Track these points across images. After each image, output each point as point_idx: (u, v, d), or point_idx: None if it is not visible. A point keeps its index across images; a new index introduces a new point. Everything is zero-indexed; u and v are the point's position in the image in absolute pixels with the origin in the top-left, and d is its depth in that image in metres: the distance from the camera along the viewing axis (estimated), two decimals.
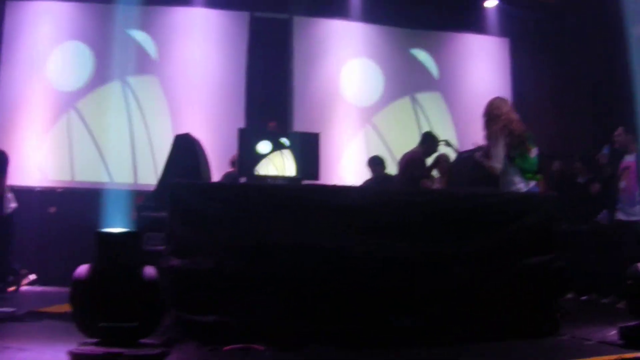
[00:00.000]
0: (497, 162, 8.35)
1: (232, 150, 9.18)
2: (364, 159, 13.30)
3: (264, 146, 8.24)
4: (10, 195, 11.43)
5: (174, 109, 14.28)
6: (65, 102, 13.93)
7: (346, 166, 13.79)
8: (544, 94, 15.52)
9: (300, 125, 14.21)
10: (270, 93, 14.65)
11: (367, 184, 11.44)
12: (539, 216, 7.36)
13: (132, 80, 14.35)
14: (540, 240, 7.32)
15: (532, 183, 8.34)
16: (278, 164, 8.21)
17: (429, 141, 11.09)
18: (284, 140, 8.36)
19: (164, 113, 14.29)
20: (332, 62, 15.46)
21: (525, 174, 8.36)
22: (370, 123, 15.60)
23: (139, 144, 14.01)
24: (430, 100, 16.11)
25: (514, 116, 8.51)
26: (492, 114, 8.57)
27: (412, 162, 10.79)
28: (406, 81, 16.05)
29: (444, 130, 15.04)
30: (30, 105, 13.69)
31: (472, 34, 16.50)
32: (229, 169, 11.81)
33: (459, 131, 15.64)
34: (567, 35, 15.36)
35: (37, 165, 13.44)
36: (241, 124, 13.69)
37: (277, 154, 8.25)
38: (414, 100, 15.94)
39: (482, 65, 16.42)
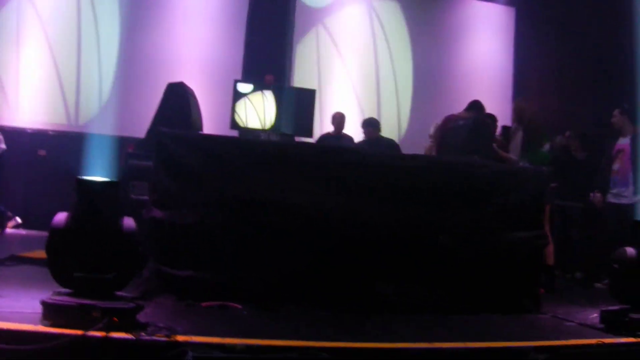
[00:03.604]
0: (515, 155, 9.40)
1: (227, 102, 9.01)
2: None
3: (245, 87, 8.18)
4: None
5: (161, 52, 14.02)
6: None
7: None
8: (547, 67, 15.25)
9: (299, 81, 14.00)
10: (270, 45, 14.43)
11: (359, 146, 11.30)
12: (529, 191, 7.33)
13: None
14: (527, 215, 7.30)
15: None
16: (257, 103, 8.12)
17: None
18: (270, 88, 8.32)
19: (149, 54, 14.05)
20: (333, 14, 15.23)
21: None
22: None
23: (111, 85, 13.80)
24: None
25: (534, 115, 9.78)
26: (518, 113, 9.96)
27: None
28: None
29: None
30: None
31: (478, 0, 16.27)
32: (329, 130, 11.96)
33: None
34: (574, 9, 15.09)
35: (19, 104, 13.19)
36: (238, 76, 13.47)
37: (257, 94, 8.16)
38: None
39: (485, 33, 16.16)
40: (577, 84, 14.42)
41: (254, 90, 8.29)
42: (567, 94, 14.38)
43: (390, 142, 11.61)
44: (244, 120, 8.24)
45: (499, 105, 12.75)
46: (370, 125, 11.67)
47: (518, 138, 9.73)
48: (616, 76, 12.83)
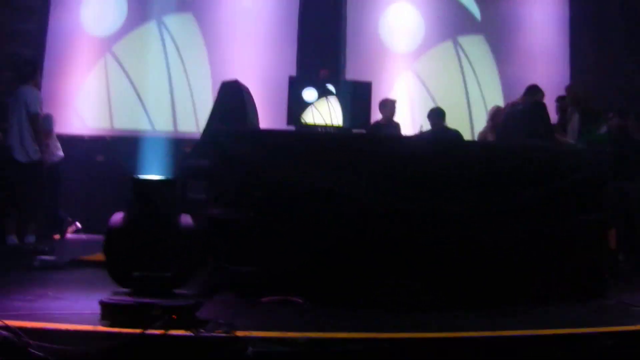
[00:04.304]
0: (572, 137, 9.47)
1: (283, 98, 8.98)
2: (407, 108, 13.26)
3: (309, 94, 8.11)
4: (57, 144, 11.38)
5: (216, 53, 14.11)
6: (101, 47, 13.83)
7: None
8: (604, 47, 14.87)
9: (353, 74, 13.88)
10: (323, 40, 14.35)
11: (424, 136, 11.18)
12: (590, 173, 7.13)
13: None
14: (590, 197, 7.10)
15: None
16: (324, 111, 8.07)
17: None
18: (330, 87, 8.21)
19: (204, 57, 14.12)
20: (384, 8, 15.08)
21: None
22: (411, 69, 15.07)
23: (178, 88, 13.84)
24: (473, 44, 15.52)
25: (589, 98, 9.83)
26: (572, 97, 10.08)
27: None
28: (447, 24, 15.40)
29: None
30: (71, 55, 13.58)
31: None
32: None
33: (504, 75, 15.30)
34: None
35: (82, 114, 13.35)
36: (292, 71, 13.43)
37: (322, 101, 8.11)
38: (456, 44, 15.46)
39: (537, 10, 15.83)
40: (636, 64, 14.06)
41: (319, 97, 8.26)
42: (625, 74, 14.01)
43: (455, 133, 11.49)
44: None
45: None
46: (437, 115, 11.55)
47: (575, 121, 9.64)
48: None
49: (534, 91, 10.12)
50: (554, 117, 9.91)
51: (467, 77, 15.14)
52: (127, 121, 13.56)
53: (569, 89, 10.31)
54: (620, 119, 10.73)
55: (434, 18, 15.17)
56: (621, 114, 10.74)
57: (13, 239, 9.85)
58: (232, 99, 8.42)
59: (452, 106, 13.79)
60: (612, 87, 13.59)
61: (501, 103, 14.00)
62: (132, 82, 13.64)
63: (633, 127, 10.87)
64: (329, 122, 8.27)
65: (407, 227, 6.49)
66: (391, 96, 12.29)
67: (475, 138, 13.22)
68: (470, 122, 14.85)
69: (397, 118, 11.83)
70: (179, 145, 9.71)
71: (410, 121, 13.59)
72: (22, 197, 9.97)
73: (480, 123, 13.78)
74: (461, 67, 15.22)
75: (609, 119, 10.56)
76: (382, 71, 14.47)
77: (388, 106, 11.56)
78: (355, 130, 8.63)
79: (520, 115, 8.78)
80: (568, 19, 15.63)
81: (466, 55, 15.27)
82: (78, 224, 11.86)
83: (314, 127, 8.44)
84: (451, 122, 11.71)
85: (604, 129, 9.81)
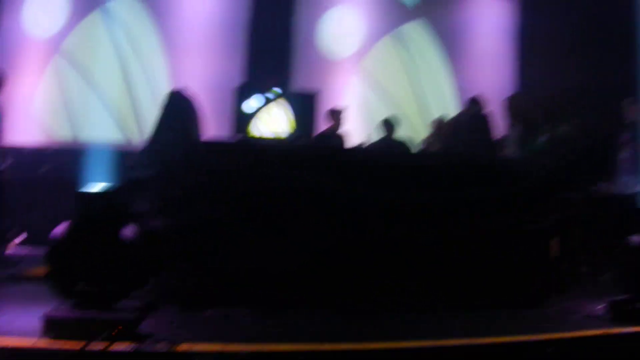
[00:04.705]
0: (511, 149, 9.50)
1: (226, 107, 8.98)
2: (360, 112, 13.34)
3: (253, 103, 8.16)
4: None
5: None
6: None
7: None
8: (555, 37, 14.56)
9: (302, 84, 13.85)
10: (272, 50, 14.33)
11: (367, 148, 11.20)
12: (533, 183, 7.24)
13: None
14: (532, 207, 7.20)
15: None
16: (270, 122, 8.12)
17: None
18: (277, 90, 8.25)
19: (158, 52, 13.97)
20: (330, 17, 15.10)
21: None
22: (359, 72, 14.92)
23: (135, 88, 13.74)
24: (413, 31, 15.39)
25: (527, 108, 9.85)
26: (509, 109, 10.00)
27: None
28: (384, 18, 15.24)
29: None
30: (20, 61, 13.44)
31: None
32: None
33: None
34: None
35: (34, 122, 13.22)
36: (241, 81, 13.42)
37: (268, 110, 8.17)
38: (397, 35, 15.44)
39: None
40: (589, 57, 13.91)
41: (264, 106, 8.31)
42: (577, 69, 13.82)
43: (402, 142, 11.52)
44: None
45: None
46: (386, 125, 11.60)
47: (515, 133, 9.75)
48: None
49: (473, 103, 10.26)
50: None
51: (414, 64, 15.15)
52: (72, 130, 13.44)
53: (509, 100, 10.36)
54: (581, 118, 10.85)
55: (370, 16, 15.18)
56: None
57: None
58: (174, 110, 8.44)
59: (404, 96, 14.25)
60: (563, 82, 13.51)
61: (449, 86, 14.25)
62: (84, 84, 13.51)
63: (576, 136, 11.02)
64: (274, 133, 8.30)
65: (346, 233, 6.56)
66: (342, 103, 12.30)
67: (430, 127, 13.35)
68: (424, 107, 14.84)
69: (351, 124, 11.82)
70: (125, 155, 9.65)
71: (364, 126, 13.59)
72: None
73: (435, 109, 13.94)
74: (406, 56, 15.20)
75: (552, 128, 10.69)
76: (332, 79, 14.48)
77: (334, 116, 11.52)
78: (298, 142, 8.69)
79: (465, 127, 8.92)
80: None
81: (409, 44, 15.29)
82: (20, 237, 11.75)
83: (259, 139, 8.48)
84: (408, 110, 11.88)
85: (542, 139, 9.92)
